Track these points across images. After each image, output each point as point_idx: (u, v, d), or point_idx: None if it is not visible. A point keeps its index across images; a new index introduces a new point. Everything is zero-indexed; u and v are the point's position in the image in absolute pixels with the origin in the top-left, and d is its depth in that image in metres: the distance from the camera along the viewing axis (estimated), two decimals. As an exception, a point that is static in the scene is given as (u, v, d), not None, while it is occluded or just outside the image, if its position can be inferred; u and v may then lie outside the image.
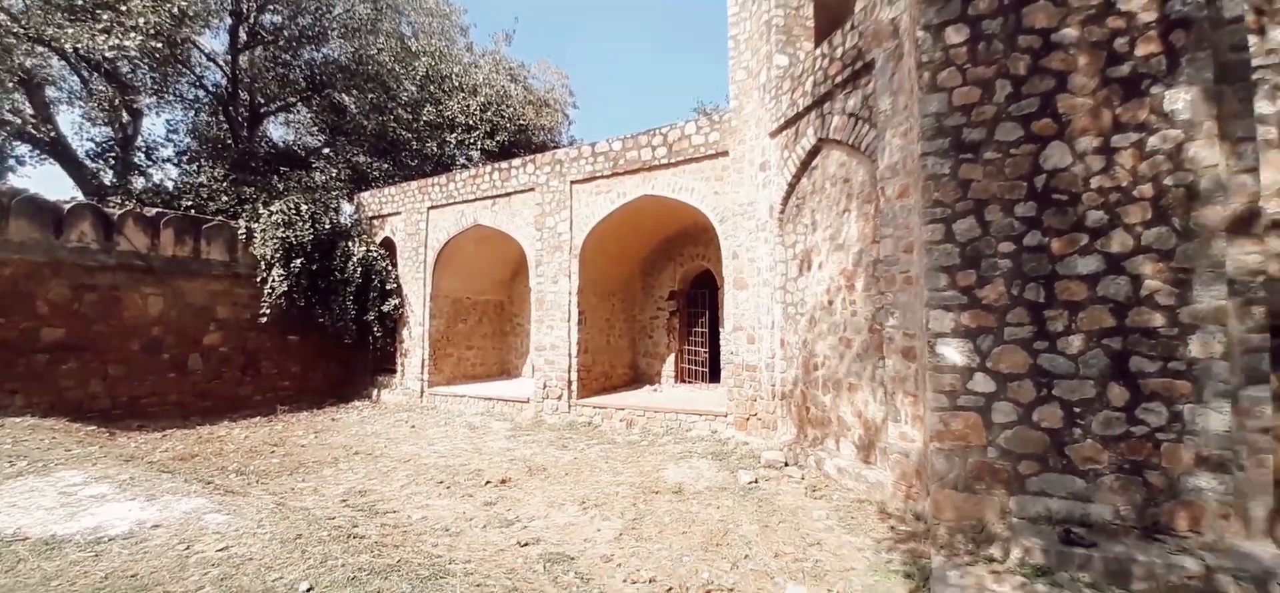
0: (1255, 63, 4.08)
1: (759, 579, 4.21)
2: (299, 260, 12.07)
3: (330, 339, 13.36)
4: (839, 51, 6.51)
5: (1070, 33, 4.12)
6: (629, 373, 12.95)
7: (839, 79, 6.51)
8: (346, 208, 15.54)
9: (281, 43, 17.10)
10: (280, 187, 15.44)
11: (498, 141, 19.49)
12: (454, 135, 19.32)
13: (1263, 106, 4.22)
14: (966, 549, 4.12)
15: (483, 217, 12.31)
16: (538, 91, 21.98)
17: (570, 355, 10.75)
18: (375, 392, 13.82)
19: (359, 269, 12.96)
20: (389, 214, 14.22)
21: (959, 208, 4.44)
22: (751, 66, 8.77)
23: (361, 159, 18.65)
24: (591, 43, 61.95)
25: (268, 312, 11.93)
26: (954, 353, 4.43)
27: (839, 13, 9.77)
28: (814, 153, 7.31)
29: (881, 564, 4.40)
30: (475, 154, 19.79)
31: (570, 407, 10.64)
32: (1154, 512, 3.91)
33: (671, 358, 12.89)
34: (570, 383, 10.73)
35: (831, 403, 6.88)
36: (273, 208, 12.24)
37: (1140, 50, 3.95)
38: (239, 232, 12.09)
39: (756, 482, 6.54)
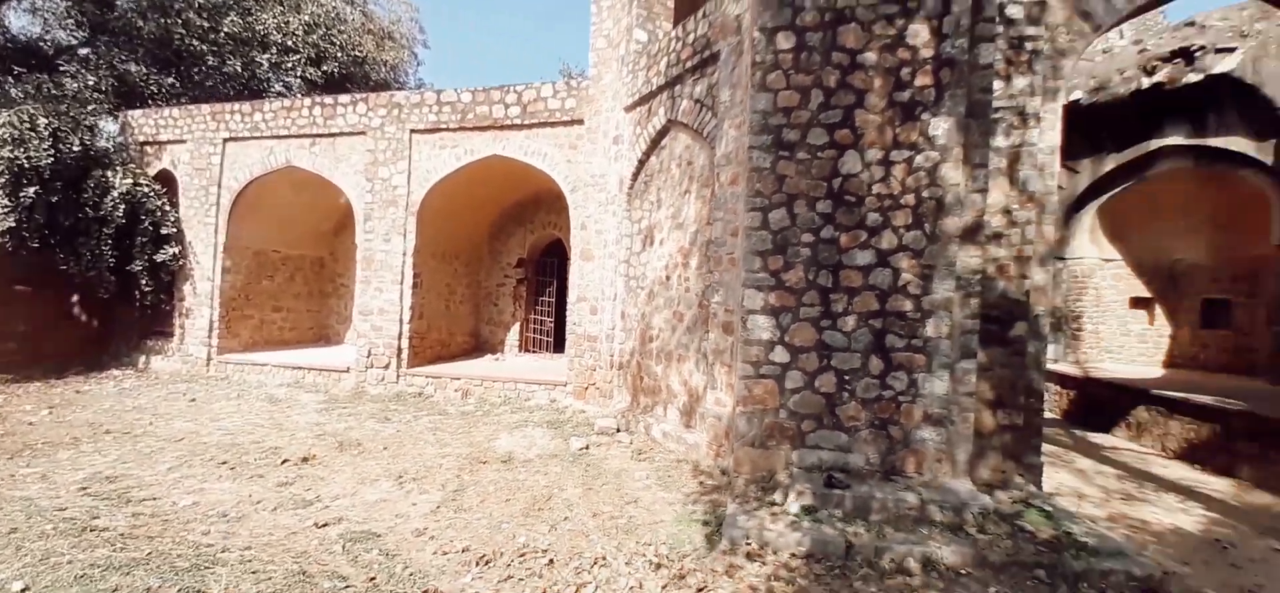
0: (998, 104, 5.10)
1: (575, 538, 4.35)
2: (33, 189, 9.28)
3: (78, 292, 10.59)
4: (691, 37, 6.80)
5: (871, 56, 4.80)
6: (470, 341, 12.38)
7: (689, 64, 6.80)
8: (108, 127, 12.27)
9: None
10: (13, 91, 11.64)
11: (324, 71, 16.93)
12: (267, 55, 16.31)
13: (999, 140, 5.30)
14: (756, 497, 4.71)
15: (299, 158, 10.65)
16: (381, 21, 19.48)
17: (401, 321, 9.91)
18: (143, 359, 11.33)
19: (122, 206, 10.35)
20: (169, 141, 11.57)
21: (774, 199, 4.95)
22: (612, 36, 8.76)
23: (134, 69, 14.85)
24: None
25: (-26, 249, 9.01)
26: (762, 328, 4.98)
27: (696, -3, 10.17)
28: (663, 132, 7.59)
29: (686, 515, 4.83)
30: (294, 81, 16.96)
31: (398, 377, 9.85)
32: (892, 459, 4.84)
33: (516, 327, 12.61)
34: (400, 351, 9.91)
35: (663, 372, 7.32)
36: (-5, 117, 9.20)
37: (918, 81, 4.75)
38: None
39: (587, 448, 6.73)
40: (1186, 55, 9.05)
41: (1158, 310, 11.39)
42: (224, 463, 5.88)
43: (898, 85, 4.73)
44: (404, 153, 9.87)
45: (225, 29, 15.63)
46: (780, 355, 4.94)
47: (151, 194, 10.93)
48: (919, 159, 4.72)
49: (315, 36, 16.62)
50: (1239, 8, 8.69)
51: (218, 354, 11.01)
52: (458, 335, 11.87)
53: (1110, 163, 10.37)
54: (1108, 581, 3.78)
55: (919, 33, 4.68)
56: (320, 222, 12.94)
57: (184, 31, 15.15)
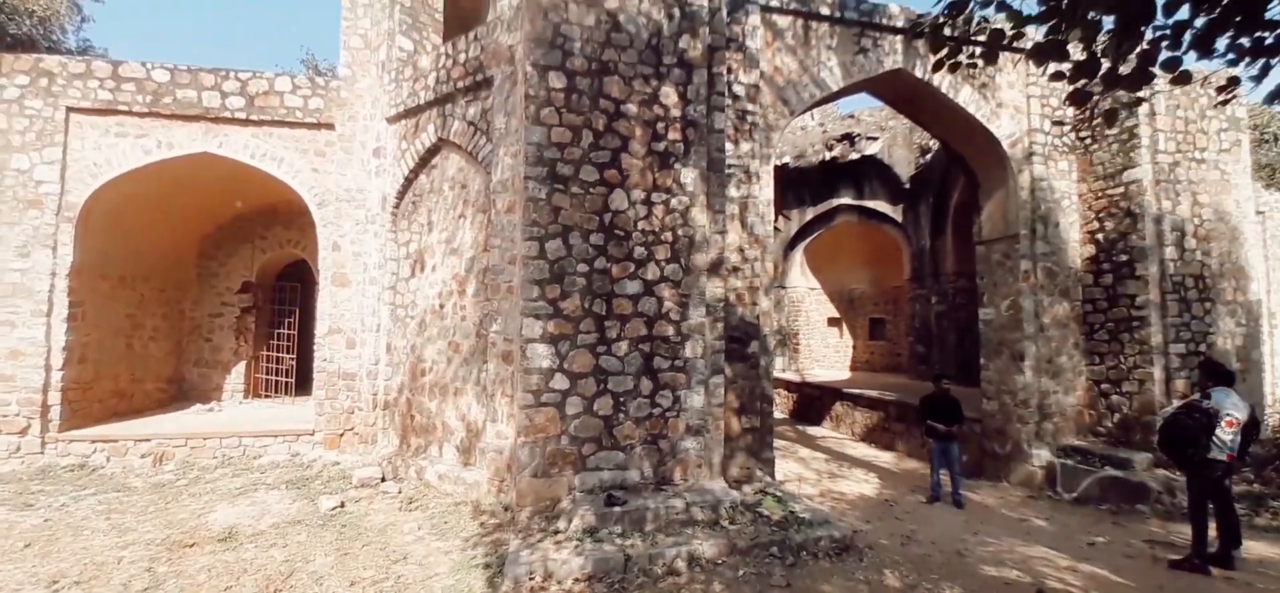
0: (730, 162, 6.10)
1: (325, 621, 3.65)
2: None
3: None
4: (463, 57, 6.55)
5: (632, 108, 5.29)
6: (169, 389, 9.55)
7: (461, 84, 6.54)
8: None
9: None
10: None
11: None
12: None
13: (732, 191, 6.32)
14: (540, 528, 4.63)
15: None
16: (23, -42, 14.07)
17: (49, 367, 7.11)
18: None
19: None
20: None
21: (551, 230, 5.04)
22: (370, 38, 7.91)
23: None
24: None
25: None
26: (542, 356, 4.97)
27: (468, 10, 9.90)
28: (434, 151, 7.11)
29: (466, 562, 4.49)
30: None
31: (44, 445, 7.03)
32: (663, 470, 5.30)
33: (241, 367, 10.17)
34: (46, 408, 7.09)
35: (438, 408, 6.74)
36: None
37: (670, 135, 5.40)
38: None
39: (343, 506, 5.77)
40: (850, 139, 12.32)
41: (845, 327, 15.02)
42: None
43: (655, 136, 5.31)
44: (57, 137, 7.22)
45: None
46: (560, 382, 5.00)
47: None
48: (674, 201, 5.35)
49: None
50: (879, 109, 12.18)
51: None
52: (147, 383, 9.04)
53: (810, 213, 13.42)
54: (818, 546, 4.73)
55: (669, 94, 5.35)
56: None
57: None
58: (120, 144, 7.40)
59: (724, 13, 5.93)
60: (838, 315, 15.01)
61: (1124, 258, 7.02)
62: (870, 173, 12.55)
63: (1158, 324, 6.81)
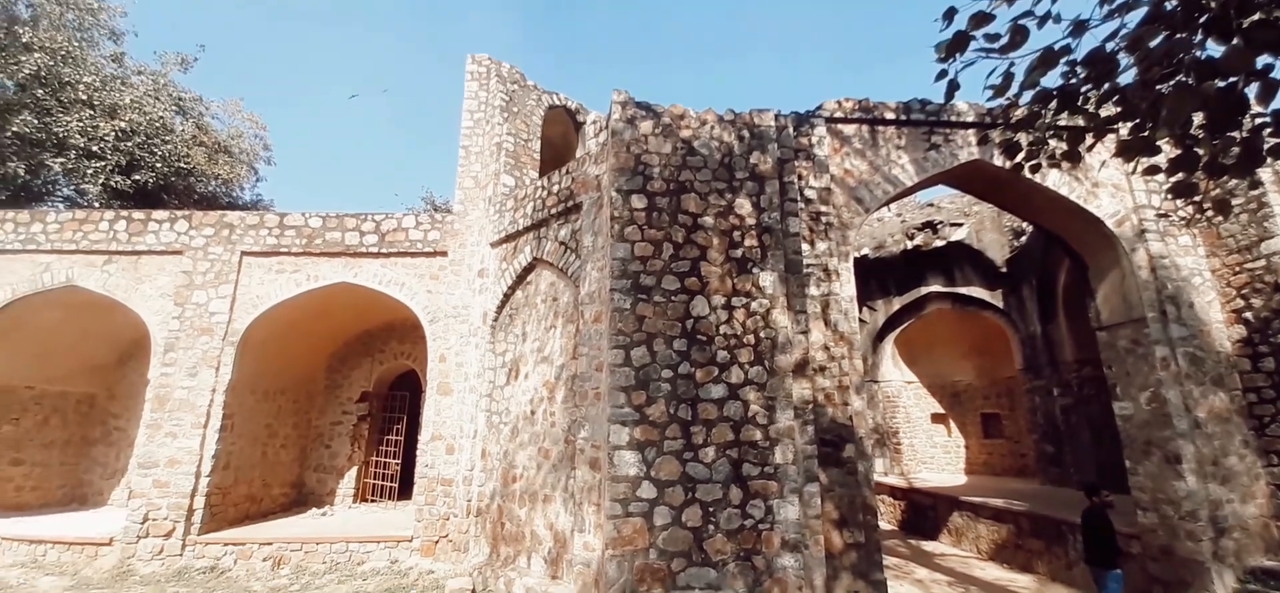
0: (808, 262, 6.17)
1: None
2: None
3: None
4: (556, 188, 7.33)
5: (708, 220, 5.61)
6: (290, 494, 10.49)
7: (555, 210, 7.27)
8: None
9: None
10: None
11: (136, 181, 14.80)
12: (61, 160, 13.90)
13: (812, 290, 6.33)
14: (630, 652, 4.45)
15: (86, 278, 8.87)
16: (217, 134, 17.88)
17: (199, 474, 8.14)
18: None
19: None
20: (-120, 248, 8.97)
21: (635, 337, 5.29)
22: (480, 177, 9.09)
23: None
24: (317, 109, 54.68)
25: None
26: (629, 463, 5.03)
27: (561, 150, 11.18)
28: (529, 269, 7.81)
29: (556, 686, 4.36)
30: (93, 189, 14.51)
31: (185, 547, 7.87)
32: (759, 590, 4.98)
33: (353, 472, 11.01)
34: (192, 512, 8.02)
35: (527, 516, 6.87)
36: None
37: (747, 242, 5.62)
38: None
39: (438, 615, 5.88)
40: (932, 226, 11.95)
41: (952, 424, 13.71)
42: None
43: (732, 244, 5.55)
44: (230, 276, 8.77)
45: (13, 128, 13.16)
46: (647, 491, 4.99)
47: None
48: (754, 304, 5.45)
49: (131, 144, 14.68)
50: (962, 195, 11.83)
51: (-104, 538, 7.91)
52: (274, 487, 10.01)
53: (897, 303, 12.86)
54: (940, 688, 4.13)
55: (743, 205, 5.65)
56: (98, 351, 10.58)
57: None
58: (278, 279, 8.83)
59: (790, 129, 6.29)
60: (942, 411, 13.75)
61: (1286, 339, 6.05)
62: (960, 258, 11.97)
63: (1351, 418, 5.66)
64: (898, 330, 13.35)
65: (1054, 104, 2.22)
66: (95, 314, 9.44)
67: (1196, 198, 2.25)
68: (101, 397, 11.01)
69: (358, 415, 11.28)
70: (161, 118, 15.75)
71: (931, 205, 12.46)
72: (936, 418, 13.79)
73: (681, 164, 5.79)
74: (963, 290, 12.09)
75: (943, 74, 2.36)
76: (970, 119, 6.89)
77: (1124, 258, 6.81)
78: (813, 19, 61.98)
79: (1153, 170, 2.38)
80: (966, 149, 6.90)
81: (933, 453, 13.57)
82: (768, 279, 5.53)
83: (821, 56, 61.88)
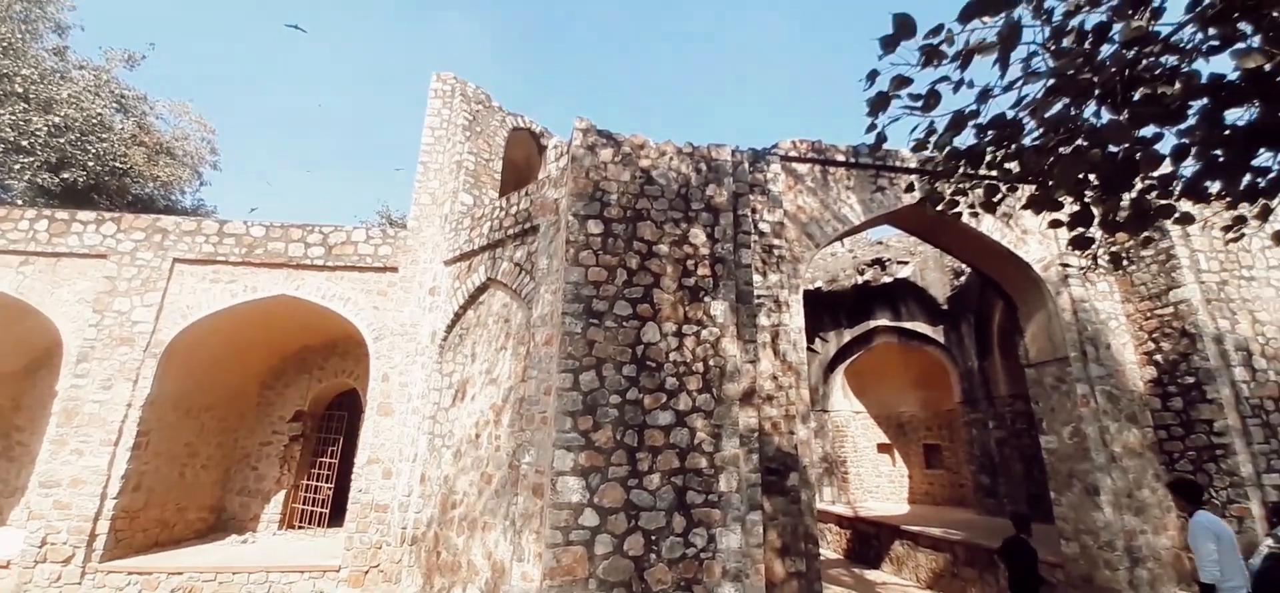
0: (759, 293, 6.31)
1: None
2: None
3: None
4: (514, 209, 7.28)
5: (663, 248, 5.68)
6: (207, 518, 9.75)
7: (512, 231, 7.20)
8: None
9: None
10: None
11: (63, 179, 13.81)
12: (-16, 153, 12.85)
13: (762, 320, 6.46)
14: (565, 689, 4.31)
15: (-7, 278, 8.16)
16: (160, 135, 16.94)
17: (104, 495, 7.46)
18: None
19: None
20: None
21: (585, 362, 5.25)
22: (437, 194, 8.93)
23: None
24: (268, 124, 52.62)
25: None
26: (572, 489, 4.94)
27: (524, 172, 11.14)
28: (483, 289, 7.67)
29: None
30: (19, 186, 13.47)
31: (84, 575, 7.16)
32: (700, 622, 4.93)
33: (281, 496, 10.33)
34: (93, 537, 7.32)
35: (464, 545, 6.62)
36: None
37: (700, 271, 5.71)
38: None
39: (366, 651, 5.55)
40: (881, 263, 12.50)
41: (896, 454, 14.13)
42: None
43: (685, 273, 5.63)
44: (159, 284, 8.23)
45: None
46: (590, 519, 4.91)
47: None
48: (705, 333, 5.52)
49: (63, 140, 13.73)
50: (907, 235, 12.43)
51: None
52: (190, 511, 9.29)
53: (847, 335, 13.29)
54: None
55: (698, 235, 5.75)
56: (4, 358, 9.68)
57: None
58: (213, 289, 8.35)
59: (746, 165, 6.49)
60: (888, 441, 14.19)
61: (1191, 380, 6.57)
62: (905, 295, 12.53)
63: (1244, 452, 6.17)
64: (848, 362, 13.77)
65: (963, 162, 2.40)
66: (4, 318, 8.66)
67: (1091, 250, 2.44)
68: (6, 407, 10.03)
69: (290, 436, 10.65)
70: (100, 114, 14.85)
71: (881, 243, 13.04)
72: (882, 448, 14.20)
73: (639, 192, 5.86)
74: (908, 325, 12.62)
75: (872, 126, 2.51)
76: (912, 165, 7.28)
77: (1049, 300, 7.28)
78: (775, 61, 64.70)
79: (1057, 223, 2.57)
80: (910, 194, 7.27)
81: (878, 482, 13.94)
82: (719, 308, 5.62)
83: (779, 95, 64.48)
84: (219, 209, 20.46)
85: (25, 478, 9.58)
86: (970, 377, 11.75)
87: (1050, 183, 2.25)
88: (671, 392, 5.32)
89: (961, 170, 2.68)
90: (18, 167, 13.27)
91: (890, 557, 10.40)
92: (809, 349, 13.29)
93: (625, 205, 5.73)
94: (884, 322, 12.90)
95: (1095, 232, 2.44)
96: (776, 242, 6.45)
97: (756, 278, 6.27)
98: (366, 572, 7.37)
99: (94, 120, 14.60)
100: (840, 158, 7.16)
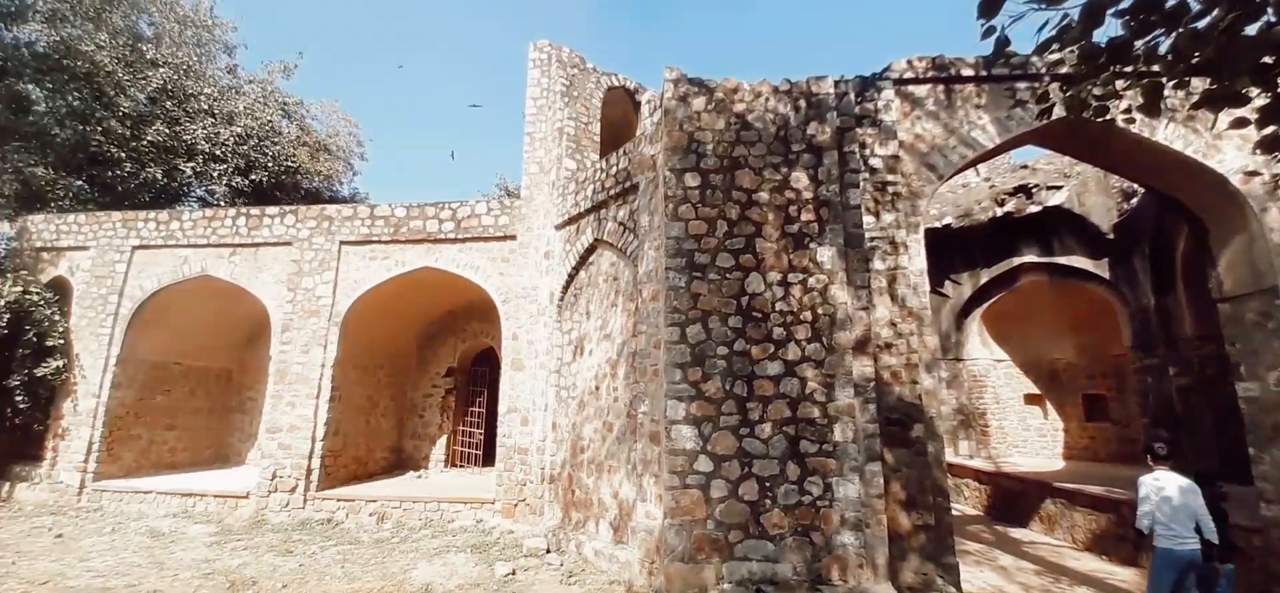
0: (872, 235, 5.91)
1: (496, 676, 4.09)
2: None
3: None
4: (614, 169, 7.50)
5: (764, 195, 5.55)
6: (390, 457, 11.66)
7: (613, 192, 7.45)
8: (2, 228, 11.43)
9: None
10: None
11: (252, 180, 16.73)
12: (191, 164, 15.99)
13: (877, 264, 6.06)
14: (686, 616, 4.66)
15: (216, 267, 10.28)
16: (317, 134, 19.76)
17: (314, 439, 9.28)
18: (5, 487, 9.81)
19: (5, 316, 9.45)
20: (70, 248, 10.88)
21: (691, 315, 5.39)
22: (543, 163, 9.46)
23: (40, 172, 14.06)
24: (398, 102, 58.88)
25: None
26: (686, 438, 5.19)
27: (621, 131, 11.32)
28: (591, 250, 8.08)
29: (617, 641, 4.67)
30: (219, 190, 16.59)
31: (306, 501, 9.05)
32: (818, 567, 4.99)
33: (443, 440, 12.05)
34: (310, 472, 9.19)
35: (594, 485, 7.25)
36: None
37: (804, 216, 5.50)
38: None
39: (514, 573, 6.41)
40: (1026, 190, 10.92)
41: (1049, 405, 12.64)
42: (86, 617, 5.13)
43: (788, 219, 5.46)
44: (331, 263, 9.79)
45: (149, 137, 15.33)
46: (704, 464, 5.13)
47: (41, 303, 10.05)
48: (811, 280, 5.36)
49: (246, 147, 16.58)
50: (1059, 155, 10.70)
51: (94, 481, 9.72)
52: (377, 451, 11.18)
53: (984, 276, 11.92)
54: (1008, 675, 3.99)
55: (800, 178, 5.51)
56: (231, 332, 12.22)
57: (102, 138, 14.71)
58: (371, 265, 9.75)
59: (852, 96, 6.01)
60: (1038, 392, 12.68)
61: None
62: (1058, 225, 10.86)
63: None
64: (986, 305, 12.40)
65: (1107, 60, 2.03)
66: (226, 299, 10.91)
67: (1285, 153, 2.00)
68: (236, 371, 12.76)
69: (445, 389, 12.27)
70: (270, 121, 17.60)
71: (1025, 167, 11.36)
72: (1030, 399, 12.74)
73: (735, 139, 5.74)
74: (1061, 260, 10.99)
75: (990, 31, 2.22)
76: (1066, 69, 6.22)
77: (1253, 219, 5.94)
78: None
79: (1242, 122, 2.12)
80: (1059, 106, 6.25)
81: (1026, 436, 12.60)
82: (826, 254, 5.41)
83: (892, 19, 57.24)
84: (371, 195, 23.40)
85: (256, 426, 12.15)
86: (1144, 317, 10.01)
87: (1226, 73, 1.86)
88: (779, 342, 5.29)
89: (1112, 70, 2.30)
90: (216, 173, 16.28)
91: (1040, 515, 9.48)
92: (937, 293, 12.16)
93: (721, 154, 5.65)
94: (1031, 258, 11.34)
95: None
96: (891, 177, 5.96)
97: (868, 219, 5.89)
98: (515, 505, 8.41)
99: (267, 127, 17.36)
100: (968, 72, 6.32)
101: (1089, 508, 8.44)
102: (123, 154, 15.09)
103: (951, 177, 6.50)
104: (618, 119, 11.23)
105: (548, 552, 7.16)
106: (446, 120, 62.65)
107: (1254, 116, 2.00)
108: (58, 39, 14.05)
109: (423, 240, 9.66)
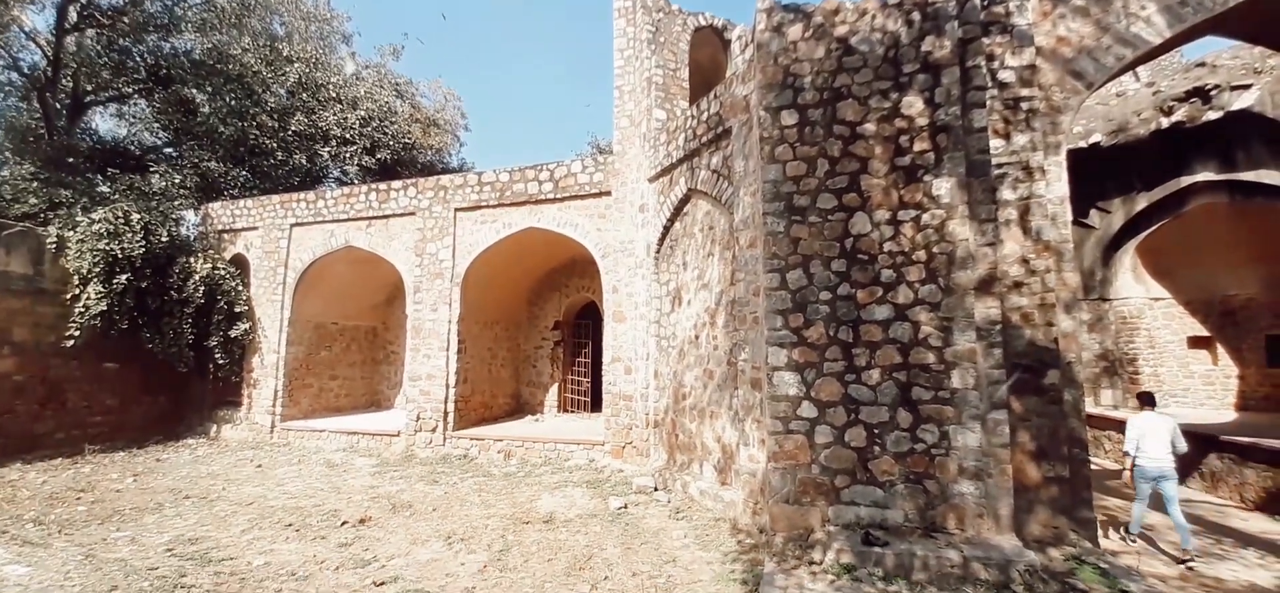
0: (1000, 161, 5.29)
1: (615, 597, 4.51)
2: (125, 276, 10.47)
3: (158, 368, 11.63)
4: (705, 115, 7.35)
5: (870, 127, 5.17)
6: (511, 403, 12.82)
7: (705, 138, 7.33)
8: (190, 218, 13.81)
9: (120, 27, 14.90)
10: (106, 189, 13.30)
11: (378, 159, 18.52)
12: (327, 148, 18.04)
13: (1006, 193, 5.44)
14: (794, 555, 4.77)
15: (356, 238, 11.67)
16: (427, 110, 21.30)
17: (447, 386, 10.45)
18: (214, 428, 12.21)
19: (201, 289, 11.54)
20: (243, 229, 12.88)
21: (791, 261, 5.26)
22: (634, 115, 9.48)
23: (213, 166, 16.67)
24: (490, 68, 61.53)
25: (77, 334, 10.15)
26: (788, 384, 5.18)
27: (710, 74, 10.96)
28: (685, 200, 8.08)
29: (725, 574, 4.92)
30: (352, 170, 18.59)
31: (445, 439, 10.29)
32: (932, 514, 4.85)
33: (555, 388, 13.00)
34: (446, 414, 10.40)
35: (697, 429, 7.49)
36: (95, 216, 10.57)
37: (917, 146, 5.07)
38: (48, 240, 10.26)
39: (626, 507, 6.89)
40: (1202, 94, 9.06)
41: (1220, 349, 10.82)
42: (289, 525, 6.34)
43: (898, 151, 5.06)
44: (449, 229, 10.70)
45: (293, 128, 17.45)
46: (808, 411, 5.11)
47: (227, 276, 12.12)
48: (926, 217, 4.97)
49: (370, 129, 18.32)
50: (1248, 47, 8.70)
51: (281, 422, 11.78)
52: (499, 398, 12.33)
53: (1142, 202, 10.22)
54: (1158, 636, 3.68)
55: (913, 103, 5.04)
56: (373, 295, 13.91)
57: (257, 132, 17.00)
58: (482, 228, 10.53)
59: (977, 1, 5.31)
60: (1206, 334, 10.85)
61: None
62: (1244, 134, 8.91)
63: None
64: (1141, 236, 10.68)
65: None
66: (367, 266, 12.39)
67: None
68: (380, 329, 14.58)
69: (553, 342, 13.14)
70: (387, 103, 19.20)
71: (1202, 65, 9.38)
72: (1195, 342, 10.95)
73: (836, 68, 5.35)
74: (1247, 177, 9.09)
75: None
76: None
77: None
78: None
79: None
80: (1252, -20, 5.07)
81: (1188, 384, 10.92)
82: (943, 186, 4.97)
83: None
84: (477, 163, 24.95)
85: (399, 376, 13.89)
86: (1372, 236, 8.07)
87: None
88: (888, 284, 5.02)
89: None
90: (347, 155, 18.17)
91: (1202, 472, 8.30)
92: (1080, 224, 10.65)
93: (821, 87, 5.31)
94: (1206, 176, 9.49)
95: None
96: (1025, 92, 5.26)
97: (996, 143, 5.27)
98: (623, 447, 8.95)
99: (384, 109, 18.96)
100: (1129, -43, 5.31)
101: (1265, 464, 7.26)
102: (273, 144, 17.36)
103: (1104, 84, 5.59)
104: (706, 62, 10.87)
105: (655, 490, 7.59)
106: (538, 80, 64.19)
107: None
108: (210, 46, 16.26)
109: (525, 202, 10.21)
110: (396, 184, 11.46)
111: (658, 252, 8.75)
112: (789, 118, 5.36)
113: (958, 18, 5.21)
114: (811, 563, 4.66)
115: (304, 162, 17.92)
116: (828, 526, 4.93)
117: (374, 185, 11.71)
